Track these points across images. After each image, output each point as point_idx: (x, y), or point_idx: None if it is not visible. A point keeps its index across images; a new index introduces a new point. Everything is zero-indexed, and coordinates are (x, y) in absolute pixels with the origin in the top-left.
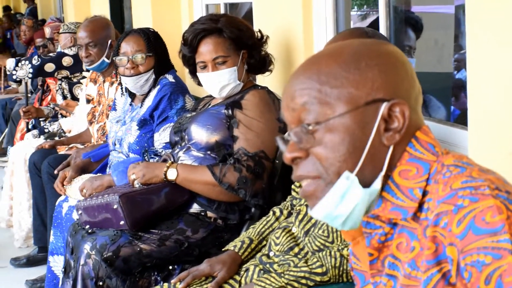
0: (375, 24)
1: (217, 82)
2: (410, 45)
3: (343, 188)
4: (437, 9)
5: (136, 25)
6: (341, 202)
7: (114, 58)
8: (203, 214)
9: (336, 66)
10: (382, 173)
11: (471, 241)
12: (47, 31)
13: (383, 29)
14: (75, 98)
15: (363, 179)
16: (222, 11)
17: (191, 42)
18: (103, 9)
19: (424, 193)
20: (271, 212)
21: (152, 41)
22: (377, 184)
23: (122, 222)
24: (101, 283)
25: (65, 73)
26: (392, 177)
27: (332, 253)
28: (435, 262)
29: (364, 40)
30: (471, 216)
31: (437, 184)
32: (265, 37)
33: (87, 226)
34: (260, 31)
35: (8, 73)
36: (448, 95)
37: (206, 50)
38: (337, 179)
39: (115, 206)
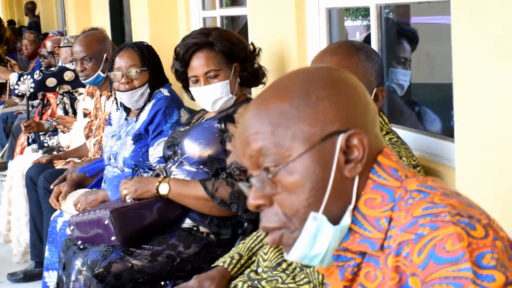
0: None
1: (210, 96)
2: (406, 57)
3: (313, 229)
4: (434, 20)
5: (135, 38)
6: (315, 243)
7: (108, 73)
8: (195, 229)
9: (286, 105)
10: (351, 207)
11: (433, 270)
12: (48, 44)
13: (374, 41)
14: (77, 113)
15: (331, 215)
16: (218, 24)
17: (182, 56)
18: (104, 22)
19: (389, 221)
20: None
21: (146, 55)
22: (347, 219)
23: (113, 238)
24: None
25: (66, 87)
26: (358, 207)
27: None
28: None
29: (309, 70)
30: (432, 244)
31: (400, 211)
32: (257, 50)
33: (79, 242)
34: (252, 43)
35: (11, 87)
36: (444, 106)
37: (198, 64)
38: (304, 223)
39: (106, 222)
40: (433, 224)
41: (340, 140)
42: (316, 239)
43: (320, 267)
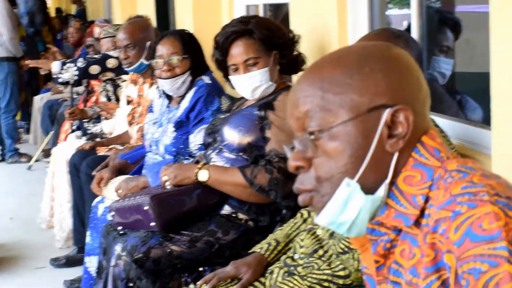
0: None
1: (249, 84)
2: (448, 45)
3: (344, 195)
4: (479, 9)
5: (180, 26)
6: (345, 209)
7: (150, 61)
8: (234, 215)
9: (339, 73)
10: (387, 181)
11: (468, 248)
12: (97, 30)
13: (415, 29)
14: (119, 100)
15: (366, 186)
16: (261, 12)
17: (222, 45)
18: (149, 11)
19: (427, 199)
20: (298, 214)
21: (187, 43)
22: (381, 191)
23: (152, 224)
24: (131, 284)
25: (110, 75)
26: (397, 183)
27: (355, 256)
28: (434, 269)
29: (367, 44)
30: (468, 222)
31: (439, 190)
32: (296, 37)
33: (119, 227)
34: (291, 30)
35: (54, 76)
36: (485, 95)
37: (237, 52)
38: (337, 189)
39: (146, 208)
40: (471, 203)
41: (386, 114)
42: (347, 205)
43: (354, 242)
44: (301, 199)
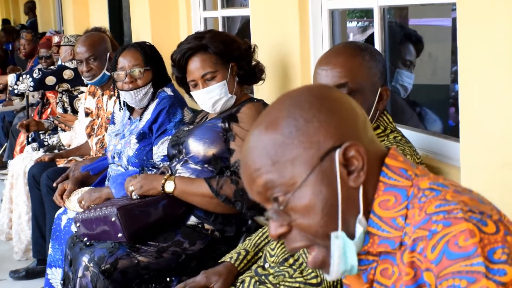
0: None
1: (208, 98)
2: (411, 60)
3: (339, 248)
4: (434, 22)
5: (135, 37)
6: (347, 258)
7: (111, 73)
8: (200, 226)
9: (278, 136)
10: (360, 216)
11: (446, 266)
12: (56, 39)
13: (377, 43)
14: (75, 112)
15: (351, 227)
16: (220, 24)
17: (179, 62)
18: (102, 21)
19: (405, 219)
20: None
21: (149, 55)
22: (358, 228)
23: (120, 235)
24: None
25: (66, 86)
26: (374, 210)
27: None
28: (415, 287)
29: (291, 95)
30: (445, 241)
31: (414, 209)
32: (253, 47)
33: (85, 239)
34: (247, 41)
35: (10, 88)
36: (444, 107)
37: (194, 68)
38: (329, 242)
39: (113, 219)
40: (446, 221)
41: (338, 155)
42: (346, 254)
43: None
44: (311, 261)
